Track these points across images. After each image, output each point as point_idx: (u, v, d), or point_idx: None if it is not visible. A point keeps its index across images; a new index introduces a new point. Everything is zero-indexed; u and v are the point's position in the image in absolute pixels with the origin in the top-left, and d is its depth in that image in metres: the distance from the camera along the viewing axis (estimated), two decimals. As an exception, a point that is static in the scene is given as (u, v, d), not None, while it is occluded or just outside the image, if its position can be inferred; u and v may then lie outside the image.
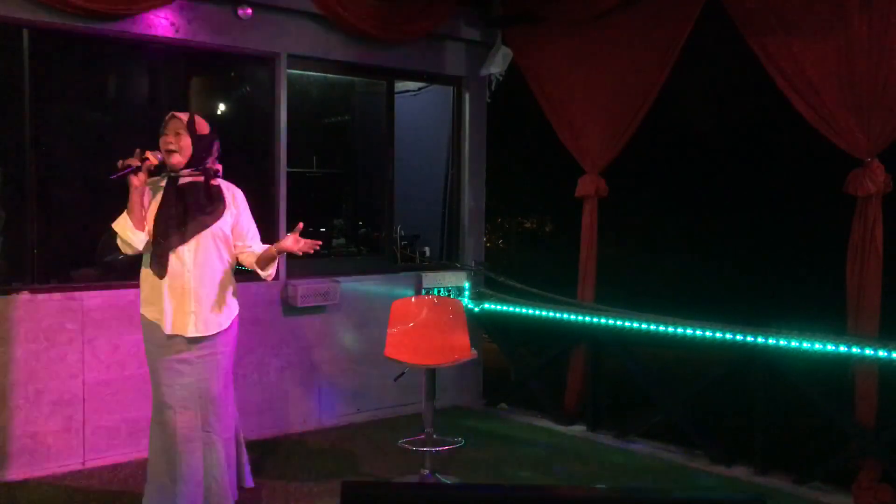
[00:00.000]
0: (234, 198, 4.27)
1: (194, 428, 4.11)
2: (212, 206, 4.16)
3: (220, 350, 4.19)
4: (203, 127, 4.21)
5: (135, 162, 4.01)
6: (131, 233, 4.09)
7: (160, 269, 4.09)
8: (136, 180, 4.03)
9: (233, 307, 4.27)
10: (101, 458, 5.30)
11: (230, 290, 4.26)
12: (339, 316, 6.34)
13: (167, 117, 4.18)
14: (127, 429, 5.40)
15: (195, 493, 4.10)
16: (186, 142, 4.12)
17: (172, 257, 4.10)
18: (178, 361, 4.10)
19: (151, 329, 4.14)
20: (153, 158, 4.06)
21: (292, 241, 4.23)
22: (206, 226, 4.13)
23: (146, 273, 4.16)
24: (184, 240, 4.09)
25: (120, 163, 4.03)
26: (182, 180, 4.15)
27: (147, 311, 4.16)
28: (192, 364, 4.12)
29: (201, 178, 4.18)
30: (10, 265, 5.26)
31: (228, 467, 4.27)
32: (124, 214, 4.11)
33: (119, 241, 4.17)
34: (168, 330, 4.07)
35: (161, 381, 4.11)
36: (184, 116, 4.17)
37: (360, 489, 2.13)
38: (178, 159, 4.12)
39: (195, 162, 4.16)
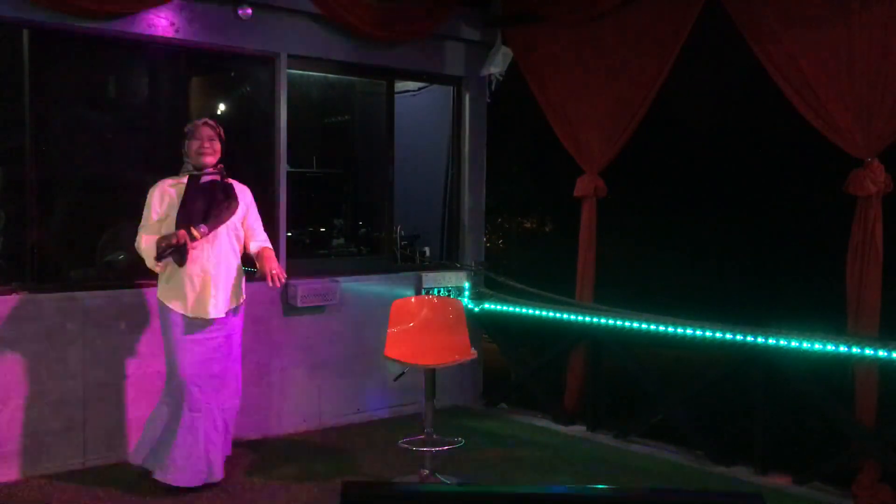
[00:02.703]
0: (244, 197, 4.88)
1: (200, 400, 4.72)
2: (227, 201, 4.74)
3: (227, 332, 4.81)
4: (222, 133, 4.86)
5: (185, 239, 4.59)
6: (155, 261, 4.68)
7: (181, 259, 4.61)
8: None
9: (242, 290, 4.90)
10: (101, 458, 5.30)
11: (242, 278, 4.90)
12: (339, 316, 6.33)
13: (200, 123, 4.79)
14: (127, 429, 5.40)
15: (190, 457, 4.69)
16: (218, 146, 4.79)
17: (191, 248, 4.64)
18: (192, 342, 4.68)
19: (168, 312, 4.70)
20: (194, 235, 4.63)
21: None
22: (224, 220, 4.74)
23: (167, 262, 4.66)
24: (205, 232, 4.64)
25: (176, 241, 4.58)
26: (203, 179, 4.73)
27: (165, 297, 4.71)
28: (204, 344, 4.71)
29: (218, 177, 4.76)
30: (10, 265, 5.26)
31: (225, 434, 4.92)
32: (156, 241, 4.64)
33: (141, 253, 4.77)
34: (189, 312, 4.64)
35: (176, 357, 4.70)
36: (214, 124, 4.80)
37: (360, 489, 2.13)
38: (210, 161, 4.75)
39: (218, 162, 4.80)
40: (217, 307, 4.69)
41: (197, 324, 4.69)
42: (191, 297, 4.65)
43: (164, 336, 4.79)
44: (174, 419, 4.75)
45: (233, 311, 4.84)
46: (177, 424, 4.72)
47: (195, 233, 4.60)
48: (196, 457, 4.72)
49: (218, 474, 4.83)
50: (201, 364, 4.71)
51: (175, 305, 4.67)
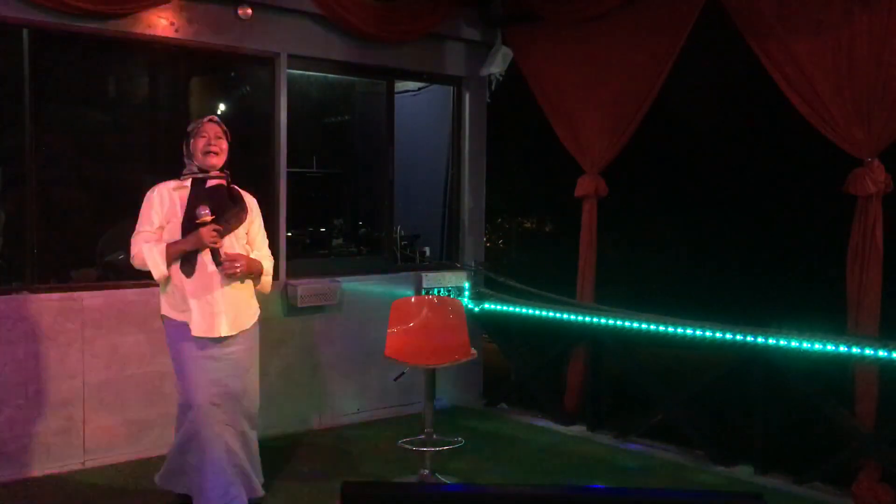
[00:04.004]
0: (251, 206, 4.42)
1: (220, 423, 4.19)
2: (235, 209, 4.30)
3: (245, 347, 4.31)
4: (228, 133, 4.41)
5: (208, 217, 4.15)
6: (166, 270, 4.19)
7: (189, 269, 4.16)
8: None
9: (255, 307, 4.42)
10: (101, 458, 5.30)
11: (253, 291, 4.40)
12: (339, 316, 6.33)
13: (205, 120, 4.33)
14: (127, 429, 5.40)
15: (220, 484, 4.16)
16: (225, 146, 4.32)
17: (201, 258, 4.18)
18: (205, 358, 4.18)
19: (178, 328, 4.21)
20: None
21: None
22: (232, 229, 4.26)
23: (174, 271, 4.20)
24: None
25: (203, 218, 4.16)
26: (209, 182, 4.28)
27: (170, 311, 4.24)
28: (220, 360, 4.21)
29: (224, 182, 4.33)
30: (10, 265, 5.26)
31: (253, 458, 4.42)
32: (166, 250, 4.17)
33: (148, 265, 4.23)
34: (196, 332, 4.14)
35: (189, 378, 4.19)
36: (220, 122, 4.36)
37: (360, 489, 2.13)
38: (217, 161, 4.29)
39: (224, 166, 4.35)
40: (228, 325, 4.20)
41: (208, 341, 4.18)
42: (197, 314, 4.14)
43: (173, 355, 4.28)
44: (198, 446, 4.21)
45: (248, 329, 4.35)
46: (202, 451, 4.19)
47: (206, 219, 4.12)
48: (227, 481, 4.20)
49: (255, 492, 4.41)
50: (219, 381, 4.20)
51: (181, 322, 4.19)
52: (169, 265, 4.17)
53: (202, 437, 4.18)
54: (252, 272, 4.31)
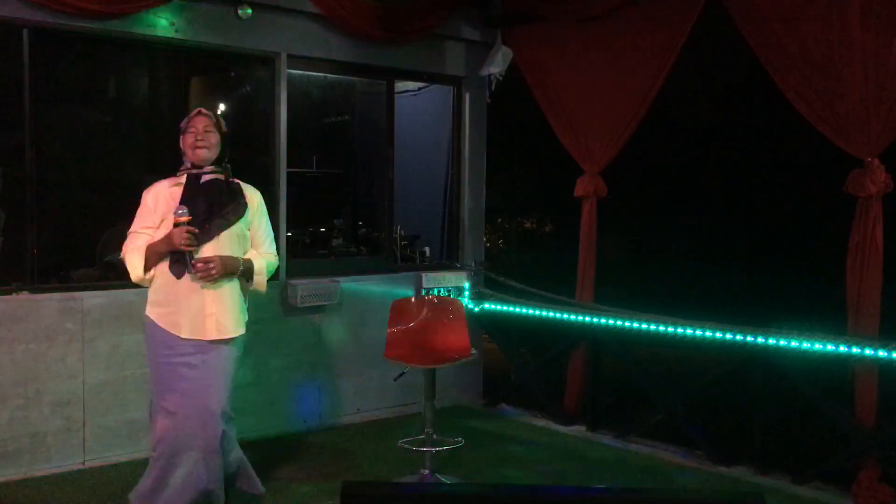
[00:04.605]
0: (253, 200, 4.21)
1: (190, 435, 3.98)
2: (234, 203, 4.11)
3: (226, 356, 4.09)
4: (222, 125, 4.20)
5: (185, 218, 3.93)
6: (143, 272, 4.01)
7: (180, 269, 3.96)
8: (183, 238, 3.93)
9: (245, 312, 4.21)
10: (101, 458, 5.30)
11: (246, 293, 4.21)
12: (339, 316, 6.34)
13: (193, 114, 4.15)
14: (127, 429, 5.40)
15: (186, 499, 4.00)
16: (216, 139, 4.10)
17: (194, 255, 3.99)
18: (182, 365, 3.99)
19: (157, 332, 4.02)
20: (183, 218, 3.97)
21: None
22: (229, 224, 4.06)
23: (162, 271, 4.01)
24: (207, 238, 3.99)
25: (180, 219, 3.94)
26: (204, 178, 4.10)
27: (154, 313, 4.04)
28: (197, 368, 4.00)
29: (222, 177, 4.14)
30: (10, 265, 5.26)
31: (208, 479, 4.09)
32: (145, 251, 3.99)
33: (127, 267, 4.08)
34: (184, 333, 3.97)
35: (162, 384, 4.01)
36: (210, 113, 4.16)
37: (360, 489, 2.13)
38: (206, 155, 4.07)
39: (218, 160, 4.14)
40: (219, 327, 4.02)
41: (192, 346, 3.99)
42: (186, 316, 3.97)
43: (149, 360, 4.09)
44: (170, 462, 4.01)
45: (231, 339, 4.09)
46: (172, 468, 4.00)
47: (181, 219, 3.89)
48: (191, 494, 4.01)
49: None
50: (191, 392, 3.98)
51: (166, 324, 3.99)
52: (149, 267, 4.00)
53: (175, 454, 3.98)
54: (233, 272, 4.06)
